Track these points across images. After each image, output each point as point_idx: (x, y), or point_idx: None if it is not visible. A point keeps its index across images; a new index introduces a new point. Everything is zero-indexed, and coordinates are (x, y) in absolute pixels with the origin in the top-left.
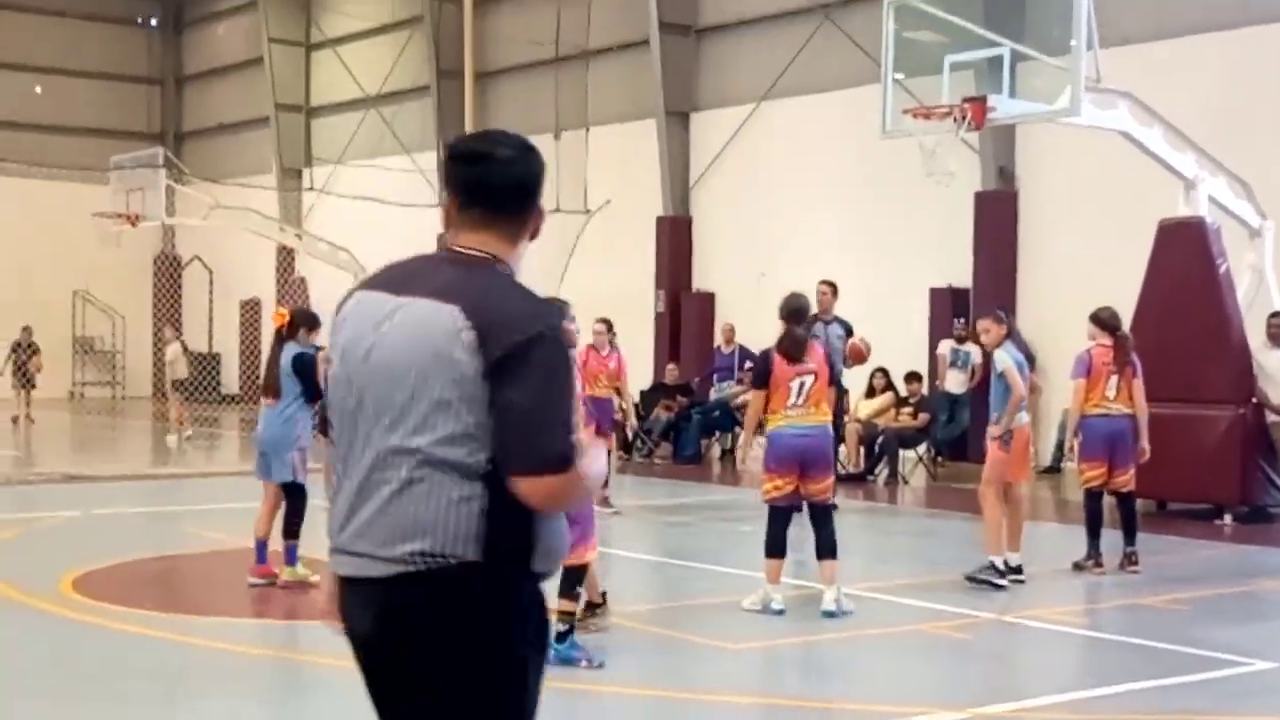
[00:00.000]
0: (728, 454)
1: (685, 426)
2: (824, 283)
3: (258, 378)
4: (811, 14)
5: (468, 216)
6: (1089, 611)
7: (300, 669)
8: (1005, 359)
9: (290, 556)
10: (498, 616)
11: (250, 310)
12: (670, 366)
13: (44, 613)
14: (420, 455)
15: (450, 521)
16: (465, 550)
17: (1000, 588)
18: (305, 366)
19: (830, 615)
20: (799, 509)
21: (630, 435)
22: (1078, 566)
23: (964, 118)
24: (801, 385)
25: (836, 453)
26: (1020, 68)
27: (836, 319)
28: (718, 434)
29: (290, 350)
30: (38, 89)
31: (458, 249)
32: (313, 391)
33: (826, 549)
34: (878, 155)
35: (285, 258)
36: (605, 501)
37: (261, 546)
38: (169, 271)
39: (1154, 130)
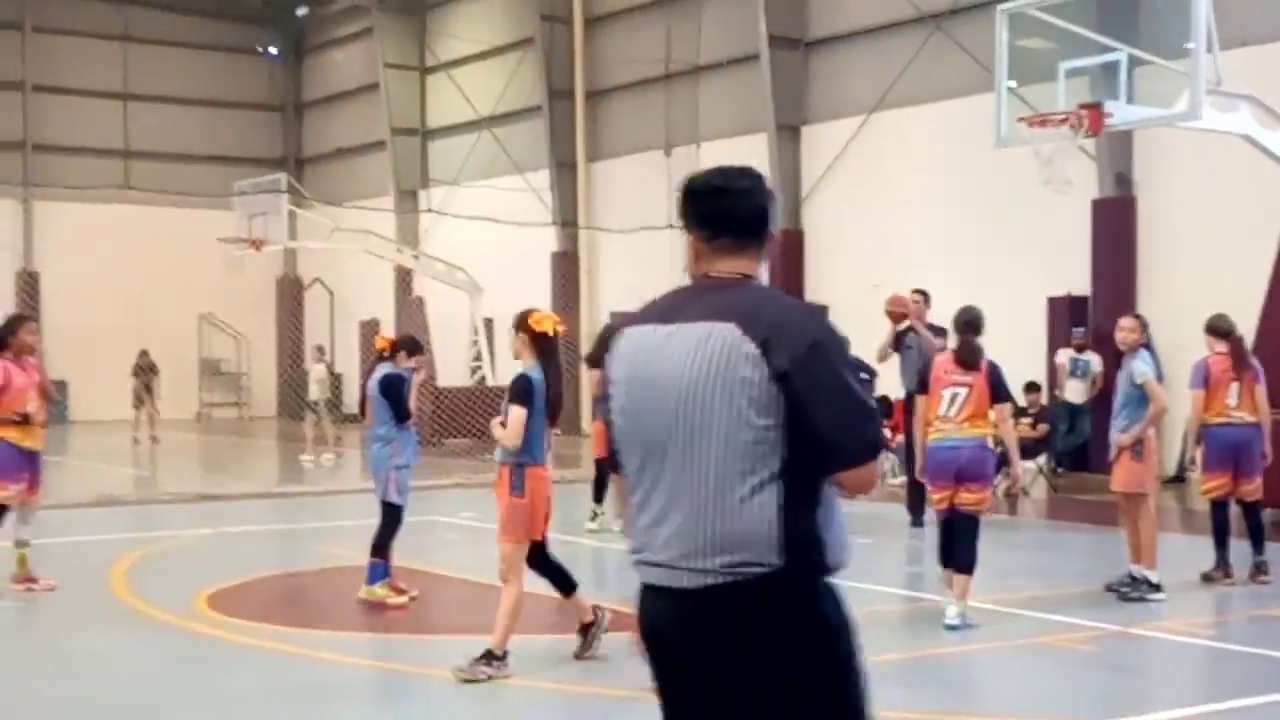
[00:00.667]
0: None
1: None
2: (916, 291)
3: None
4: (921, 24)
5: (718, 246)
6: (1218, 623)
7: (426, 682)
8: (1145, 371)
9: (372, 575)
10: (815, 616)
11: (369, 331)
12: None
13: (181, 629)
14: (721, 467)
15: (757, 529)
16: (772, 556)
17: (1156, 601)
18: (391, 388)
19: (953, 629)
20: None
21: None
22: (1206, 578)
23: (1080, 124)
24: (955, 396)
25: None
26: (1137, 72)
27: (931, 326)
28: None
29: (380, 371)
30: (163, 118)
31: (713, 275)
32: (401, 413)
33: (962, 562)
34: (991, 164)
35: (403, 278)
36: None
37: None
38: (291, 294)
39: (1277, 132)
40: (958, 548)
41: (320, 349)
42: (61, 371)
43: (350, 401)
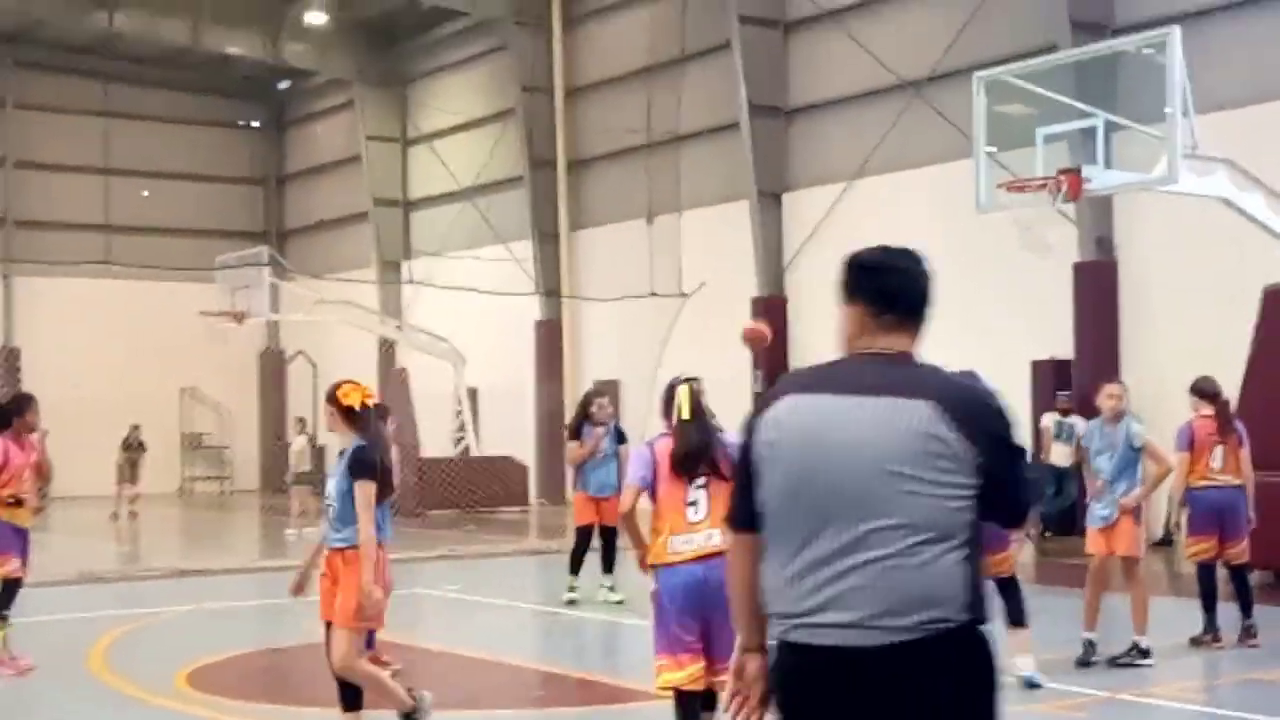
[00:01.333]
0: None
1: None
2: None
3: None
4: (901, 91)
5: (884, 321)
6: (1208, 688)
7: None
8: (1142, 431)
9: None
10: (988, 670)
11: None
12: None
13: (160, 708)
14: (918, 530)
15: (949, 587)
16: (961, 612)
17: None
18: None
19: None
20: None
21: None
22: (1195, 642)
23: (1059, 189)
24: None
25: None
26: (1115, 136)
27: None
28: None
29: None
30: (145, 193)
31: (880, 350)
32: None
33: (1017, 617)
34: (972, 228)
35: (386, 349)
36: None
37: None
38: (273, 366)
39: (1255, 195)
40: (1012, 603)
41: (302, 420)
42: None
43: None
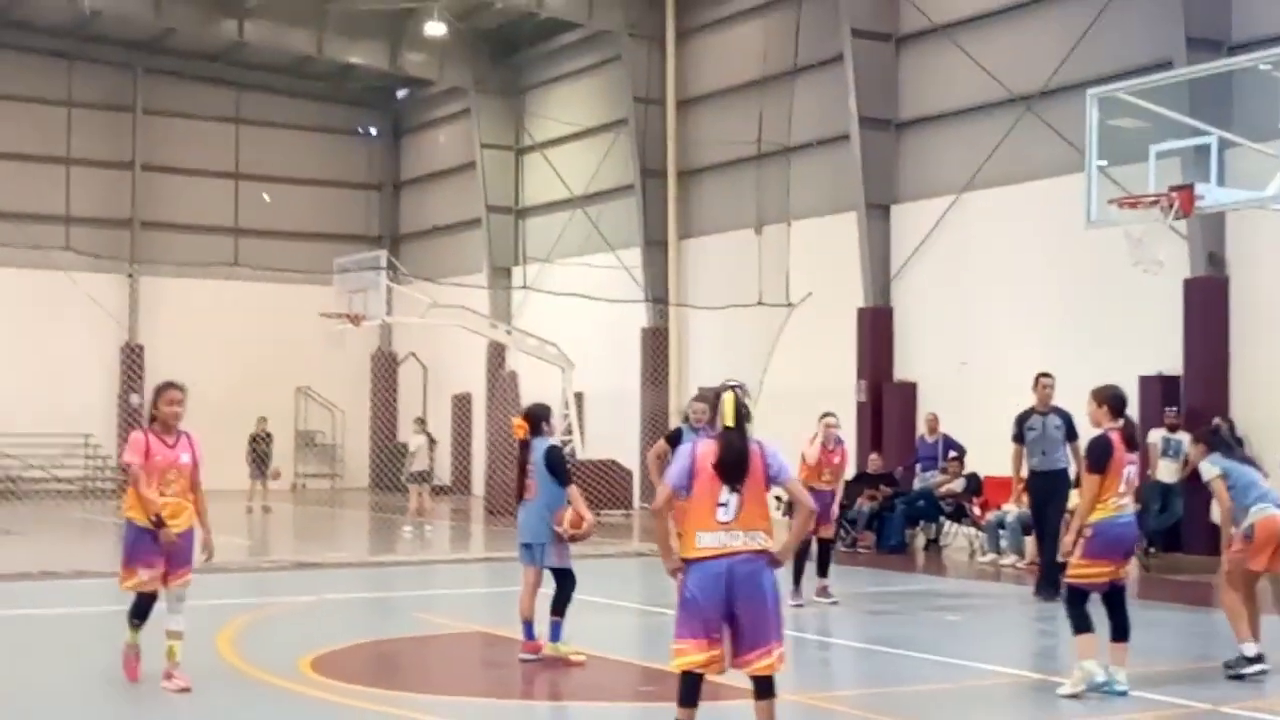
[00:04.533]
0: (932, 543)
1: (889, 516)
2: (1043, 375)
3: (469, 469)
4: (1012, 105)
5: None
6: None
7: None
8: (1210, 469)
9: (555, 633)
10: None
11: (462, 404)
12: (873, 456)
13: (288, 691)
14: None
15: None
16: None
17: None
18: (555, 459)
19: (1124, 694)
20: (1120, 590)
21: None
22: None
23: (1171, 206)
24: (1129, 473)
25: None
26: (1229, 152)
27: (1055, 410)
28: (922, 523)
29: (541, 445)
30: (266, 197)
31: None
32: (565, 478)
33: (1125, 631)
34: (1082, 243)
35: (495, 353)
36: (825, 591)
37: (528, 625)
38: (386, 368)
39: None
40: (1121, 618)
41: (421, 420)
42: None
43: (441, 473)
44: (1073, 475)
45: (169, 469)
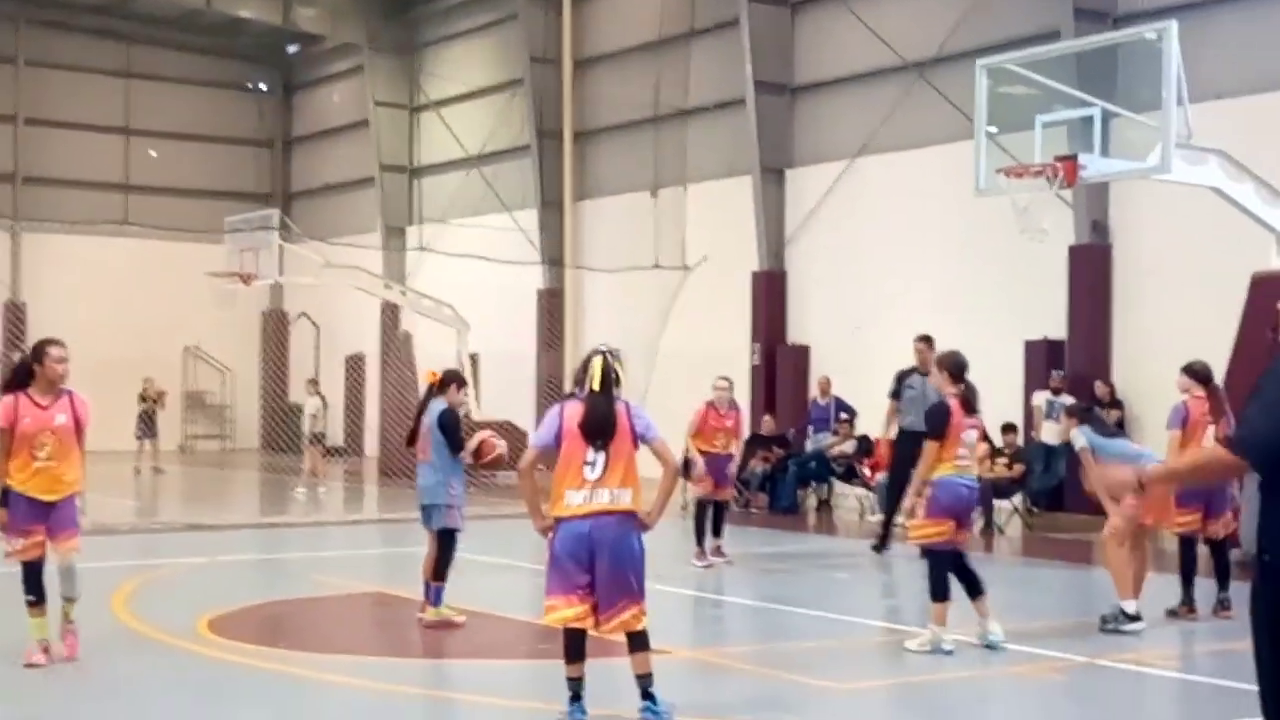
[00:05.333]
0: (823, 504)
1: (781, 477)
2: (919, 339)
3: (361, 431)
4: (904, 71)
5: None
6: (1181, 656)
7: (430, 704)
8: (1079, 439)
9: (436, 597)
10: None
11: (355, 365)
12: (766, 418)
13: (189, 652)
14: None
15: None
16: None
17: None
18: (450, 422)
19: (995, 646)
20: (960, 554)
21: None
22: (1171, 613)
23: (1056, 176)
24: (970, 438)
25: None
26: (1113, 123)
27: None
28: (814, 484)
29: (437, 405)
30: (152, 153)
31: None
32: (456, 445)
33: (980, 586)
34: (972, 209)
35: (389, 314)
36: (719, 551)
37: (428, 585)
38: (277, 328)
39: (1245, 185)
40: (974, 575)
41: (314, 382)
42: None
43: (334, 434)
44: (840, 433)
45: (40, 432)
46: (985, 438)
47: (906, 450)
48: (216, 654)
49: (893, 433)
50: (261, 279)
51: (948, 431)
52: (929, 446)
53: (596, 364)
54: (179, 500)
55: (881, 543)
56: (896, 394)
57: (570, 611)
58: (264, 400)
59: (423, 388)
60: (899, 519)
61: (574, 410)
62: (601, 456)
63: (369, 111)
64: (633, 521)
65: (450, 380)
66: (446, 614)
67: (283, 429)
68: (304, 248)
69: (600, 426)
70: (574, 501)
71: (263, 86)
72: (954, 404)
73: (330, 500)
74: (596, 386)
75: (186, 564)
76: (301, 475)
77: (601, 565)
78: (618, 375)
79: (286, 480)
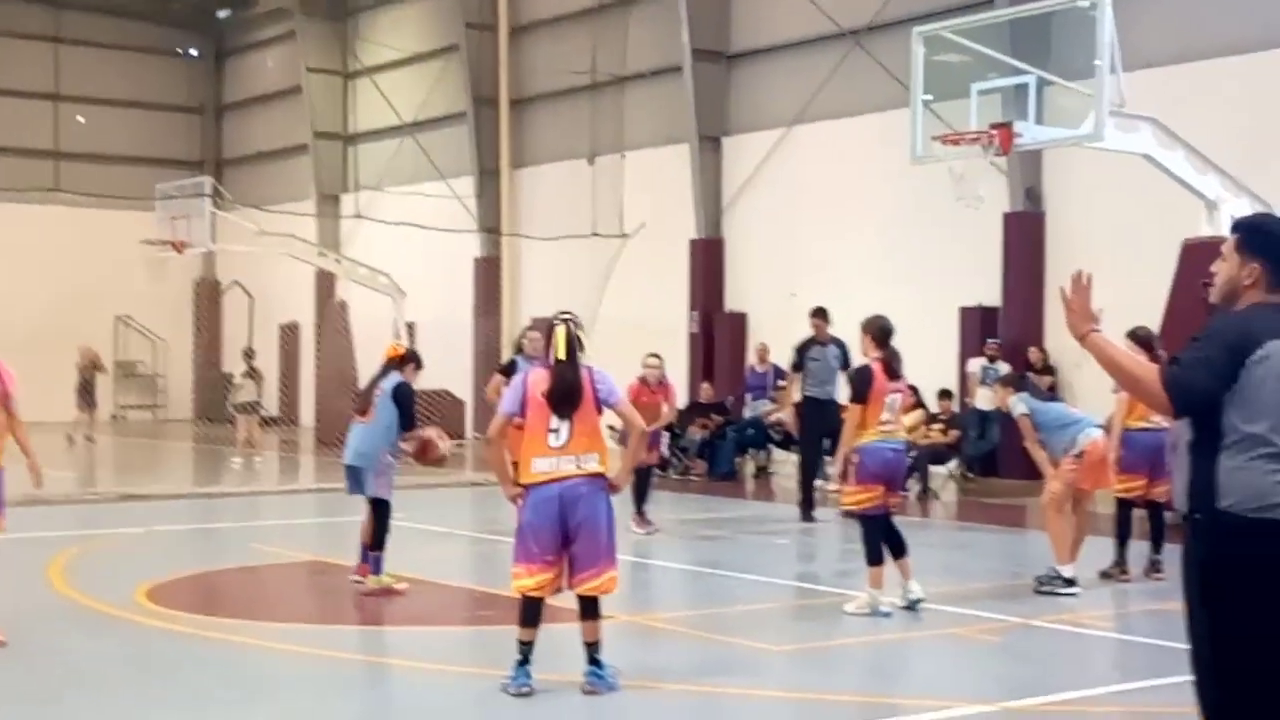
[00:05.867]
0: (761, 470)
1: (719, 444)
2: (816, 311)
3: (296, 400)
4: (841, 39)
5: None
6: (1115, 615)
7: (372, 670)
8: (1018, 406)
9: (377, 566)
10: None
11: (289, 334)
12: (704, 385)
13: (128, 622)
14: None
15: None
16: None
17: (1069, 594)
18: (405, 396)
19: (916, 605)
20: (888, 516)
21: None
22: (1105, 575)
23: (991, 143)
24: (893, 402)
25: None
26: (1047, 91)
27: (833, 341)
28: (751, 451)
29: (395, 378)
30: (80, 119)
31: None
32: (408, 421)
33: (903, 547)
34: (908, 177)
35: (324, 282)
36: (644, 519)
37: (365, 550)
38: (209, 296)
39: (1177, 153)
40: (899, 537)
41: (250, 352)
42: None
43: (268, 404)
44: (778, 400)
45: None
46: (918, 404)
47: (815, 417)
48: (156, 623)
49: (796, 398)
50: (194, 247)
51: (870, 395)
52: (852, 410)
53: (560, 332)
54: (113, 470)
55: (806, 511)
56: (798, 365)
57: (532, 581)
58: (197, 370)
59: (379, 360)
60: (827, 485)
61: (538, 378)
62: (566, 424)
63: (302, 78)
64: (601, 484)
65: (411, 359)
66: (387, 581)
67: (216, 399)
68: (237, 215)
69: (566, 395)
70: (541, 468)
71: (194, 52)
72: (877, 368)
73: (266, 470)
74: (562, 355)
75: (123, 534)
76: (237, 445)
77: (574, 528)
78: (581, 342)
79: (220, 450)
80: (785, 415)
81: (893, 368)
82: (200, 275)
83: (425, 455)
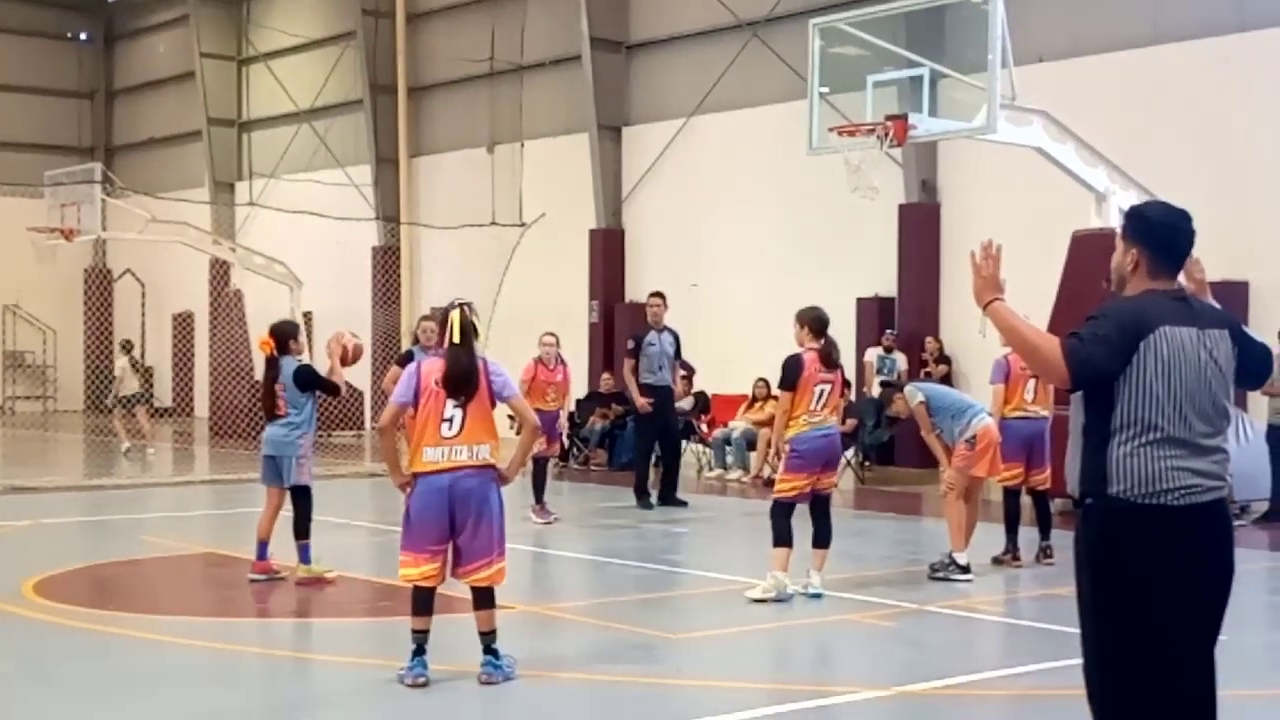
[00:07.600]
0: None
1: (620, 434)
2: (655, 294)
3: (191, 391)
4: (739, 31)
5: (1163, 267)
6: (1006, 601)
7: (267, 663)
8: (914, 394)
9: (305, 555)
10: None
11: (183, 323)
12: (605, 376)
13: (14, 615)
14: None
15: None
16: None
17: (964, 581)
18: (308, 375)
19: (819, 597)
20: (826, 500)
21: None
22: (996, 561)
23: (886, 135)
24: (823, 391)
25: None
26: (941, 84)
27: (667, 328)
28: None
29: (289, 365)
30: None
31: (1173, 291)
32: (330, 387)
33: (826, 539)
34: (806, 168)
35: (219, 271)
36: (544, 509)
37: (263, 546)
38: (100, 285)
39: (1067, 146)
40: (824, 526)
41: (127, 344)
42: None
43: (162, 394)
44: (677, 390)
45: None
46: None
47: (658, 403)
48: (43, 616)
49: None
50: (84, 234)
51: (799, 383)
52: (782, 397)
53: (455, 317)
54: (0, 463)
55: (642, 498)
56: (635, 352)
57: (416, 570)
58: (88, 360)
59: (260, 358)
60: (766, 472)
61: (432, 366)
62: (460, 414)
63: (195, 63)
64: (492, 475)
65: (285, 338)
66: (317, 571)
67: (107, 390)
68: (128, 203)
69: (463, 378)
70: (432, 458)
71: (83, 36)
72: (810, 357)
73: (159, 461)
74: (457, 339)
75: (9, 526)
76: (121, 436)
77: (462, 519)
78: (476, 329)
79: (111, 442)
80: (686, 404)
81: (831, 358)
82: (91, 263)
83: (351, 359)
